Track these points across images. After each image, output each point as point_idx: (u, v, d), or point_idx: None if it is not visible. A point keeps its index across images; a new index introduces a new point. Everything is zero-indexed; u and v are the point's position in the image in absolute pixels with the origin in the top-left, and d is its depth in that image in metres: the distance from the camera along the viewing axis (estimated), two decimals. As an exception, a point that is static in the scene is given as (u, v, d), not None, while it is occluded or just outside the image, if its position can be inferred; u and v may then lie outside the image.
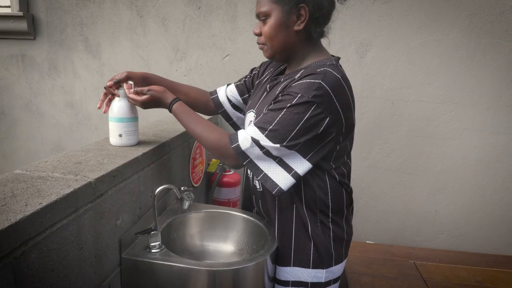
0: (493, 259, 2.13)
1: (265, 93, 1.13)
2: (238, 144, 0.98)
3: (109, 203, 0.94)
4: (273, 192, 0.98)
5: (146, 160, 1.13)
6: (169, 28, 2.22)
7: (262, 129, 0.96)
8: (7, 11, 2.32)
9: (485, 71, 2.02)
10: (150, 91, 1.10)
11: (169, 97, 1.11)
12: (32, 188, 0.77)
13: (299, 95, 0.92)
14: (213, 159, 1.96)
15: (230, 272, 0.99)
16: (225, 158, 1.02)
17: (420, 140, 2.14)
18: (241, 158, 0.98)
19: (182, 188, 1.28)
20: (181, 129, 1.54)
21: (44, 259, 0.70)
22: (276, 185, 0.97)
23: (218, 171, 1.94)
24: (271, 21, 1.00)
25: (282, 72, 1.17)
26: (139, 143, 1.20)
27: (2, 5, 2.39)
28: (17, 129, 2.50)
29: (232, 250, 1.30)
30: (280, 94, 0.99)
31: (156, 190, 1.09)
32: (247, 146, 0.96)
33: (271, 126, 0.94)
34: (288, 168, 0.97)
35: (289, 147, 0.94)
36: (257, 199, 1.21)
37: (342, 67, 1.06)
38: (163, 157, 1.28)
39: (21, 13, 2.22)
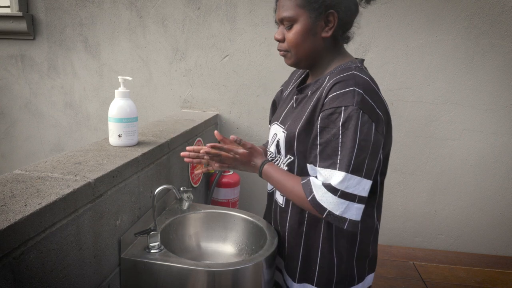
0: (492, 260, 2.13)
1: (291, 107, 1.06)
2: (313, 195, 0.88)
3: (109, 204, 0.94)
4: (357, 230, 0.91)
5: (146, 160, 1.13)
6: (169, 29, 2.22)
7: (333, 165, 0.86)
8: (7, 11, 2.32)
9: (484, 72, 2.02)
10: (252, 148, 1.04)
11: (262, 158, 1.05)
12: (32, 188, 0.77)
13: (343, 107, 0.85)
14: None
15: (229, 272, 0.99)
16: (310, 212, 0.94)
17: (420, 140, 2.14)
18: (319, 210, 0.88)
19: (181, 189, 1.28)
20: (181, 129, 1.54)
21: (43, 259, 0.70)
22: (358, 222, 0.89)
23: (217, 172, 1.94)
24: (297, 28, 0.93)
25: (304, 80, 1.11)
26: (139, 144, 1.20)
27: (1, 5, 2.39)
28: (17, 129, 2.50)
29: (232, 250, 1.30)
30: (319, 118, 0.90)
31: (155, 190, 1.09)
32: (320, 194, 0.87)
33: (339, 156, 0.85)
34: (363, 200, 0.88)
35: (357, 172, 0.85)
36: (276, 214, 1.15)
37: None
38: (162, 157, 1.28)
39: (20, 13, 2.22)
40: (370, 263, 1.07)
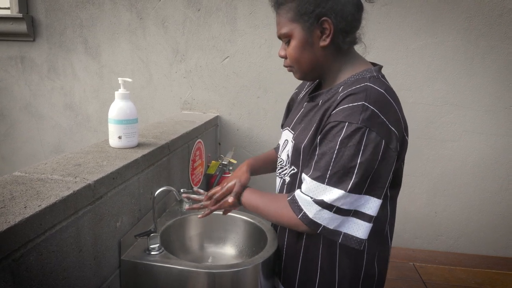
0: (492, 261, 2.13)
1: (302, 114, 1.03)
2: (304, 212, 0.85)
3: (109, 205, 0.94)
4: (361, 248, 0.86)
5: (146, 162, 1.13)
6: (169, 30, 2.22)
7: (320, 178, 0.83)
8: (7, 12, 2.32)
9: (484, 73, 2.03)
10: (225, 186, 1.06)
11: (239, 191, 1.04)
12: (31, 190, 0.77)
13: (346, 123, 0.81)
14: (212, 161, 1.96)
15: (229, 274, 0.99)
16: (301, 231, 0.91)
17: (420, 142, 2.14)
18: (313, 228, 0.85)
19: (181, 190, 1.28)
20: (181, 131, 1.54)
21: (43, 262, 0.70)
22: (361, 240, 0.84)
23: (217, 173, 1.94)
24: (294, 43, 0.91)
25: (318, 87, 1.08)
26: (139, 145, 1.20)
27: (1, 6, 2.39)
28: (16, 131, 2.50)
29: (232, 252, 1.30)
30: (323, 129, 0.87)
31: (155, 192, 1.09)
32: (313, 212, 0.84)
33: (329, 171, 0.82)
34: (365, 217, 0.84)
35: (357, 191, 0.81)
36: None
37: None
38: (162, 159, 1.28)
39: (20, 15, 2.22)
40: (378, 282, 1.01)
